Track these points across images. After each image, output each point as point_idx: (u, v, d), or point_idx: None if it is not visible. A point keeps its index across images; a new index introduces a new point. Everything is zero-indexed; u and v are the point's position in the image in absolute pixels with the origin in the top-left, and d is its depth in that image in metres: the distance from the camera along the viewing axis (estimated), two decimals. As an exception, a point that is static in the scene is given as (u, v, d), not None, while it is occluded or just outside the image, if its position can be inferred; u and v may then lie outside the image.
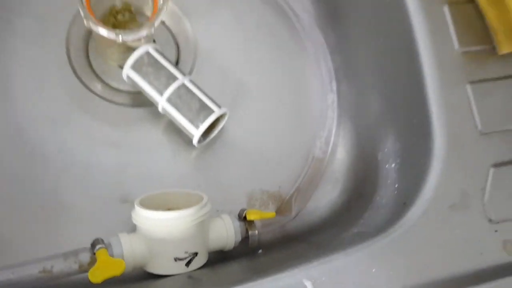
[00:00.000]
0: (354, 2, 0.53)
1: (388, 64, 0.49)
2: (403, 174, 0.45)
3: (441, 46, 0.44)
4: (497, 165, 0.42)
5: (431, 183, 0.41)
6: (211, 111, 0.49)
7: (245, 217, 0.47)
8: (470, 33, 0.44)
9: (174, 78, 0.49)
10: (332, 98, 0.55)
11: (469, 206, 0.41)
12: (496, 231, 0.41)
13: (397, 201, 0.43)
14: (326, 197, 0.53)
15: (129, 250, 0.41)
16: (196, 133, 0.49)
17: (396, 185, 0.45)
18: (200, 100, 0.49)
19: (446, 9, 0.44)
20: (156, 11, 0.48)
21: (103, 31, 0.45)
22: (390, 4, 0.46)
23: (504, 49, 0.44)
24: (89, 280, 0.38)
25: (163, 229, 0.41)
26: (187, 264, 0.42)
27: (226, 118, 0.51)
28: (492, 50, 0.45)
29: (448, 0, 0.45)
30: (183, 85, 0.49)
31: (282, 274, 0.36)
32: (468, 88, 0.43)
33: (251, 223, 0.47)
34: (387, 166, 0.47)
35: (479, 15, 0.45)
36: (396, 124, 0.47)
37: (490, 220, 0.41)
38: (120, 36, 0.46)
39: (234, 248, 0.46)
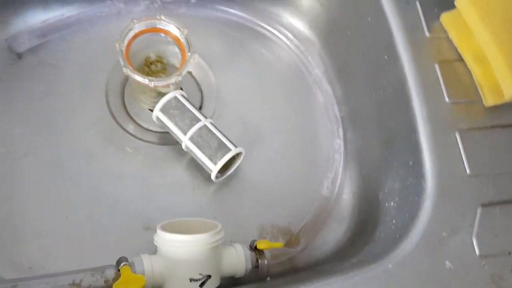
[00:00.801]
0: (357, 59, 0.59)
1: (387, 114, 0.54)
2: (400, 211, 0.49)
3: (433, 98, 0.49)
4: (485, 205, 0.46)
5: (423, 218, 0.45)
6: (228, 150, 0.55)
7: (255, 248, 0.51)
8: (459, 87, 0.50)
9: (197, 120, 0.56)
10: (339, 143, 0.60)
11: (458, 241, 0.45)
12: (484, 265, 0.44)
13: (394, 235, 0.47)
14: (332, 234, 0.57)
15: (150, 268, 0.45)
16: (214, 168, 0.54)
17: (394, 221, 0.49)
18: (219, 140, 0.55)
19: (437, 66, 0.50)
20: (184, 62, 0.55)
21: (138, 78, 0.53)
22: (388, 61, 0.52)
23: (489, 102, 0.49)
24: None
25: (180, 251, 0.46)
26: (201, 285, 0.47)
27: (242, 157, 0.57)
28: (479, 102, 0.50)
29: (439, 59, 0.51)
30: (205, 126, 0.55)
31: (285, 292, 0.41)
32: (457, 135, 0.48)
33: (261, 253, 0.51)
34: (387, 204, 0.52)
35: (467, 71, 0.51)
36: (395, 166, 0.52)
37: (478, 255, 0.44)
38: (152, 82, 0.53)
39: (245, 275, 0.50)
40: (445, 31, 0.52)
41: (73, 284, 0.44)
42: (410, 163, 0.49)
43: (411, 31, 0.52)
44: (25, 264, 0.50)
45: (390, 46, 0.52)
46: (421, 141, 0.48)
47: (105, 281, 0.45)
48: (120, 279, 0.44)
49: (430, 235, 0.45)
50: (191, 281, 0.46)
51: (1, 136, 0.55)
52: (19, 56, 0.59)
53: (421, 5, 0.53)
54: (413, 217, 0.46)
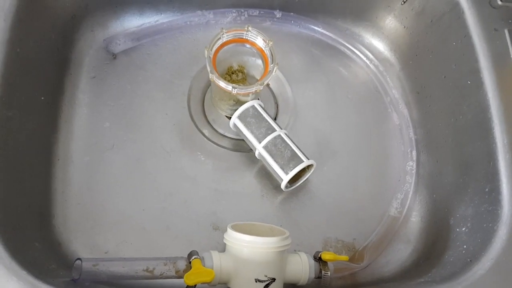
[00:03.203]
0: (437, 83, 0.59)
1: (464, 139, 0.54)
2: (472, 236, 0.48)
3: (515, 127, 0.49)
4: None
5: (497, 245, 0.44)
6: (300, 161, 0.56)
7: (320, 259, 0.52)
8: (544, 118, 0.49)
9: (272, 130, 0.57)
10: (411, 165, 0.60)
11: (533, 272, 0.43)
12: (559, 301, 0.43)
13: (464, 259, 0.46)
14: (397, 254, 0.56)
15: (218, 264, 0.47)
16: (285, 178, 0.56)
17: (465, 246, 0.48)
18: (292, 151, 0.56)
19: (522, 96, 0.50)
20: (267, 73, 0.57)
21: (222, 84, 0.55)
22: (470, 87, 0.52)
23: None
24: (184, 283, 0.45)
25: (249, 251, 0.47)
26: (265, 287, 0.48)
27: (312, 170, 0.58)
28: None
29: (525, 88, 0.50)
30: (279, 136, 0.57)
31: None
32: (539, 165, 0.47)
33: (325, 264, 0.52)
34: (458, 229, 0.51)
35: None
36: (469, 192, 0.51)
37: (554, 290, 0.43)
38: (235, 89, 0.55)
39: (307, 285, 0.51)
40: (533, 60, 0.52)
41: (147, 270, 0.46)
42: (487, 189, 0.48)
43: (498, 58, 0.51)
44: (102, 249, 0.53)
45: (475, 71, 0.52)
46: (500, 168, 0.48)
47: (176, 272, 0.47)
48: (191, 270, 0.45)
49: (503, 263, 0.44)
50: (256, 281, 0.47)
51: (93, 128, 0.59)
52: (114, 56, 0.63)
53: (509, 33, 0.52)
54: (486, 243, 0.45)
